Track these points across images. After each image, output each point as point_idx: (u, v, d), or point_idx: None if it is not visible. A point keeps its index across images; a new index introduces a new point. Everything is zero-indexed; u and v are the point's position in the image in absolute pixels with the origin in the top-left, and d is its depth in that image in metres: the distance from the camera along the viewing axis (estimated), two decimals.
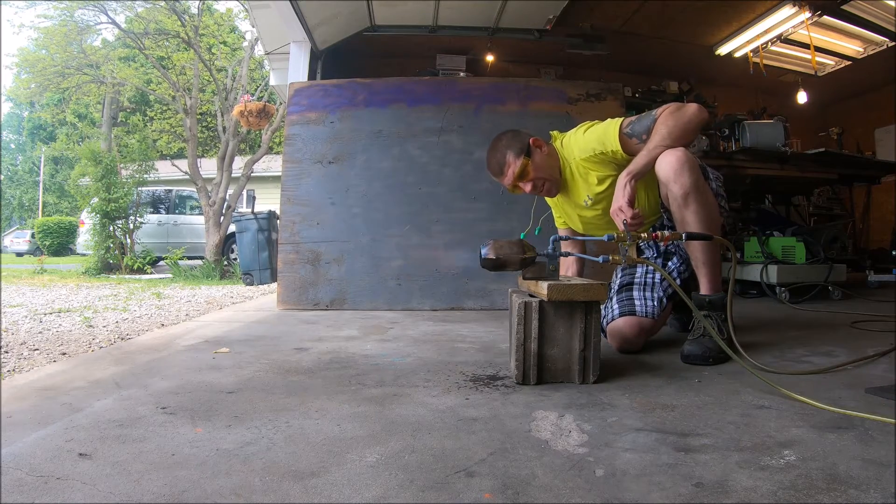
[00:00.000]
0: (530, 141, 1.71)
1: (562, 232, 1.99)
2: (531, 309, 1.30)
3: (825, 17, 4.02)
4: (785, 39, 4.44)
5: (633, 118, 1.63)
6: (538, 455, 0.88)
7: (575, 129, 1.75)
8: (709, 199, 1.58)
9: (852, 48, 4.62)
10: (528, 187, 1.72)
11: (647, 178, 1.61)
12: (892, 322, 2.15)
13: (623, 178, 1.51)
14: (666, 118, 1.55)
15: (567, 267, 1.88)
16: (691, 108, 1.56)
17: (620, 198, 1.48)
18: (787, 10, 4.01)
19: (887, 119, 5.34)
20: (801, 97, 5.29)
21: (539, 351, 1.31)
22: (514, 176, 1.69)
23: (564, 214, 1.94)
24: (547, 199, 1.97)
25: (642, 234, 1.40)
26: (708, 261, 1.60)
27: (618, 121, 1.62)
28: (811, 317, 2.48)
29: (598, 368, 1.32)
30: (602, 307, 1.76)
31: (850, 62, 4.80)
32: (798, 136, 5.08)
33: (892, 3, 3.81)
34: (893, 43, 4.33)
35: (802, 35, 4.28)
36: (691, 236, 1.54)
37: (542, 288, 1.30)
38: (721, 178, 1.81)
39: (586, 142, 1.67)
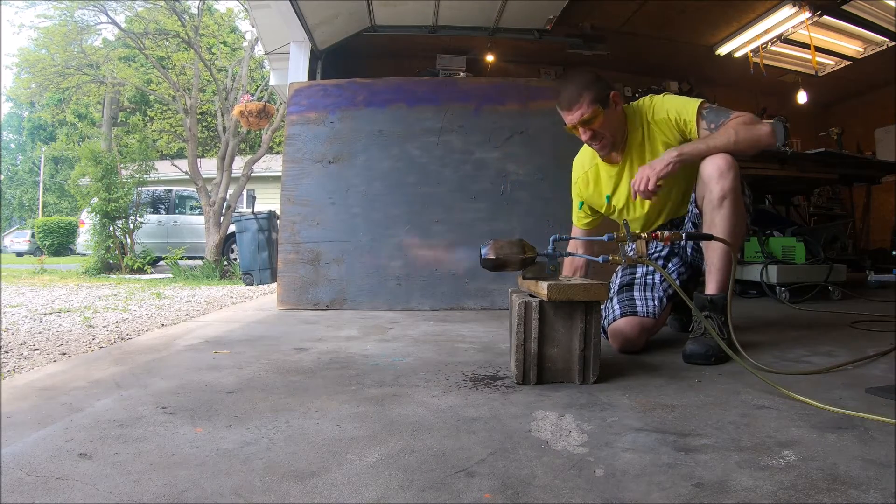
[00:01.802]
0: (612, 94, 1.64)
1: (576, 231, 1.96)
2: (531, 309, 1.30)
3: (825, 17, 4.03)
4: (785, 39, 4.44)
5: (711, 104, 1.65)
6: (538, 455, 0.88)
7: (646, 97, 1.73)
8: (740, 210, 1.59)
9: (852, 48, 4.62)
10: (587, 135, 1.66)
11: (686, 172, 1.61)
12: (892, 322, 2.15)
13: (672, 155, 1.51)
14: (739, 125, 1.56)
15: (575, 269, 1.86)
16: (765, 128, 1.57)
17: (660, 168, 1.49)
18: (787, 10, 4.01)
19: (887, 119, 5.34)
20: (801, 97, 5.30)
21: (539, 351, 1.31)
22: (581, 119, 1.61)
23: (600, 198, 1.83)
24: (576, 184, 1.89)
25: (642, 235, 1.40)
26: (723, 267, 1.60)
27: (698, 100, 1.65)
28: (811, 317, 2.48)
29: (598, 368, 1.32)
30: (602, 307, 1.76)
31: (850, 62, 4.79)
32: (798, 136, 5.09)
33: (892, 3, 3.81)
34: (893, 43, 4.33)
35: (802, 35, 4.29)
36: (691, 236, 1.54)
37: (542, 288, 1.30)
38: (751, 197, 1.81)
39: (665, 103, 1.68)
